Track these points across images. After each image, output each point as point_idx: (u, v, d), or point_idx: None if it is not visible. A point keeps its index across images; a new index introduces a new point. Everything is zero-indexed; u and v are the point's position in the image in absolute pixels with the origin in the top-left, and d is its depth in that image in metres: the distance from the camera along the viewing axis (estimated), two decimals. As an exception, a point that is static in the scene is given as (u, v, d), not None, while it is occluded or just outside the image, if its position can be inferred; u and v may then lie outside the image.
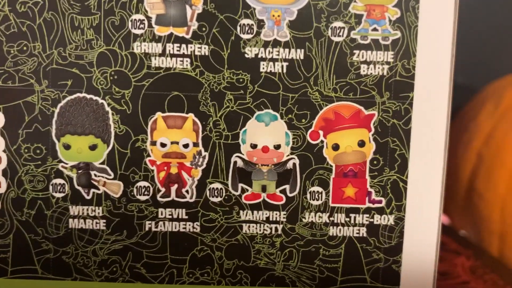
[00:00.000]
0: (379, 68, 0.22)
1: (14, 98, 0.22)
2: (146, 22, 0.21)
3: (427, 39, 0.22)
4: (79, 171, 0.22)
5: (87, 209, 0.22)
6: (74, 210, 0.22)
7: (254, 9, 0.21)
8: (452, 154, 0.49)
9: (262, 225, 0.23)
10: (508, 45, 0.60)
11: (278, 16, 0.21)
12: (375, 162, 0.22)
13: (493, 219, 0.43)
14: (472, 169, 0.46)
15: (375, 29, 0.22)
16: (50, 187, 0.22)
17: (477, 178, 0.45)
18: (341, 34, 0.22)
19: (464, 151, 0.47)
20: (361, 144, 0.22)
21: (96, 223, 0.22)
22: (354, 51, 0.22)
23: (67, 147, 0.22)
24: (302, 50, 0.22)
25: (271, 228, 0.23)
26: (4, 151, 0.22)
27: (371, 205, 0.23)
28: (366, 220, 0.23)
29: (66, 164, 0.22)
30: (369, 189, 0.23)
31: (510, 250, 0.43)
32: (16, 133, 0.22)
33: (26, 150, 0.22)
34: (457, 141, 0.49)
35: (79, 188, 0.22)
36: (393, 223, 0.23)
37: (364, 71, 0.22)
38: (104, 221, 0.22)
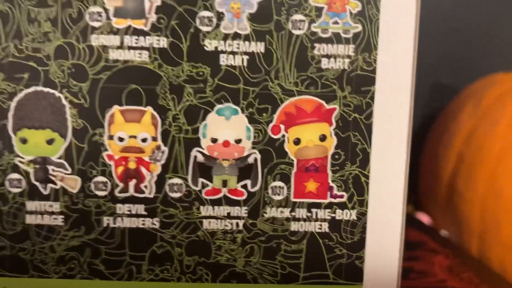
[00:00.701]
0: (340, 61, 0.22)
1: None
2: (104, 14, 0.21)
3: (389, 32, 0.21)
4: (36, 166, 0.22)
5: (44, 205, 0.22)
6: (31, 205, 0.22)
7: (214, 1, 0.21)
8: (433, 153, 0.51)
9: (223, 220, 0.22)
10: (491, 46, 0.61)
11: (238, 8, 0.21)
12: (336, 156, 0.22)
13: (473, 219, 0.44)
14: (453, 169, 0.47)
15: (336, 22, 0.21)
16: (7, 183, 0.22)
17: (457, 177, 0.46)
18: (301, 27, 0.21)
19: (445, 151, 0.48)
20: (323, 138, 0.22)
21: (54, 218, 0.22)
22: (315, 45, 0.22)
23: (23, 141, 0.22)
24: (263, 43, 0.21)
25: (232, 224, 0.22)
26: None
27: (333, 200, 0.22)
28: (328, 215, 0.23)
29: (23, 158, 0.22)
30: (331, 184, 0.22)
31: (489, 249, 0.43)
32: None
33: None
34: (438, 141, 0.50)
35: (36, 183, 0.22)
36: (355, 218, 0.23)
37: (325, 64, 0.22)
38: (62, 216, 0.22)
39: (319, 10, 0.21)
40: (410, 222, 0.47)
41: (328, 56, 0.22)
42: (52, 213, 0.22)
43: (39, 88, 0.21)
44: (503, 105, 0.44)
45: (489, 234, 0.43)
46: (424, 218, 0.51)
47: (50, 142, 0.22)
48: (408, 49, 0.22)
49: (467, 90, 0.51)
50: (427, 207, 0.52)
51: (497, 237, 0.42)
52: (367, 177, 0.22)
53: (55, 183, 0.22)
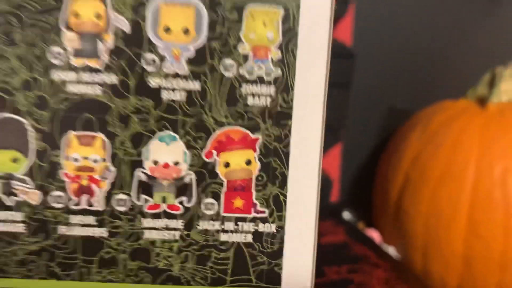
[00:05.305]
0: (263, 99, 0.26)
1: None
2: (64, 54, 0.25)
3: (303, 76, 0.26)
4: (2, 181, 0.25)
5: (8, 214, 0.25)
6: None
7: (157, 46, 0.25)
8: (384, 174, 0.54)
9: (162, 231, 0.26)
10: (442, 73, 0.64)
11: (178, 53, 0.25)
12: (260, 178, 0.26)
13: (417, 235, 0.47)
14: (400, 188, 0.49)
15: (260, 67, 0.26)
16: None
17: (404, 196, 0.48)
18: (231, 70, 0.25)
19: (394, 171, 0.51)
20: (248, 162, 0.26)
21: (16, 226, 0.26)
22: (242, 85, 0.26)
23: (-8, 159, 0.25)
24: (199, 82, 0.25)
25: (170, 234, 0.26)
26: None
27: (256, 215, 0.26)
28: (252, 228, 0.26)
29: None
30: (255, 201, 0.26)
31: (431, 263, 0.46)
32: None
33: None
34: (389, 162, 0.53)
35: (1, 195, 0.25)
36: (275, 231, 0.27)
37: (250, 101, 0.26)
38: (24, 225, 0.26)
39: (246, 56, 0.25)
40: (359, 237, 0.50)
41: (253, 95, 0.26)
42: (15, 221, 0.26)
43: (6, 114, 0.25)
44: (447, 130, 0.48)
45: (431, 250, 0.46)
46: (374, 234, 0.53)
47: (14, 161, 0.25)
48: (320, 91, 0.26)
49: (417, 115, 0.54)
50: (378, 224, 0.55)
51: (438, 252, 0.45)
52: (285, 196, 0.26)
53: (18, 196, 0.25)
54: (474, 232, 0.43)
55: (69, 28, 0.25)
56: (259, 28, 0.25)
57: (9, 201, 0.25)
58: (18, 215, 0.26)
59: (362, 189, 0.59)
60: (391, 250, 0.50)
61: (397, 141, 0.53)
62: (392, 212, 0.50)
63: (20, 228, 0.26)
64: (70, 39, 0.25)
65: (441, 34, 0.63)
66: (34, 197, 0.26)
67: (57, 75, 0.25)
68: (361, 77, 0.54)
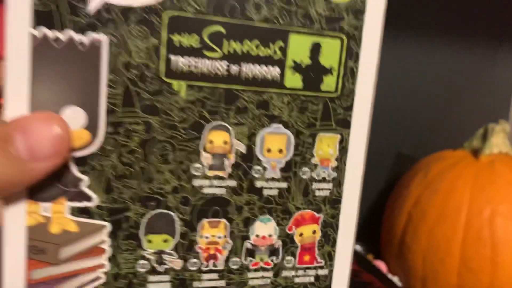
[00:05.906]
0: (324, 192, 0.40)
1: None
2: (201, 167, 0.37)
3: (349, 178, 0.40)
4: (156, 255, 0.37)
5: (160, 277, 0.37)
6: (151, 278, 0.37)
7: (261, 161, 0.38)
8: (390, 214, 0.58)
9: (259, 279, 0.39)
10: (443, 125, 0.68)
11: (274, 165, 0.38)
12: (320, 242, 0.41)
13: (417, 267, 0.51)
14: (403, 226, 0.54)
15: (324, 172, 0.40)
16: (137, 266, 0.36)
17: (407, 233, 0.52)
18: (306, 174, 0.39)
19: (399, 212, 0.55)
20: (314, 232, 0.40)
21: (165, 285, 0.37)
22: (313, 183, 0.40)
23: (149, 241, 0.36)
24: (286, 183, 0.39)
25: (264, 280, 0.40)
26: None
27: (317, 264, 0.41)
28: (314, 273, 0.41)
29: (148, 251, 0.36)
30: (316, 256, 0.41)
31: None
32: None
33: (124, 239, 0.36)
34: (394, 203, 0.57)
35: (155, 264, 0.37)
36: (327, 273, 0.41)
37: (317, 193, 0.40)
38: (170, 283, 0.37)
39: (316, 165, 0.39)
40: (368, 267, 0.55)
41: (319, 189, 0.40)
42: (164, 282, 0.37)
43: (161, 210, 0.36)
44: (443, 178, 0.51)
45: (429, 280, 0.50)
46: (381, 265, 0.59)
47: (165, 241, 0.36)
48: (357, 187, 0.41)
49: (419, 163, 0.57)
50: (384, 256, 0.59)
51: (435, 282, 0.50)
52: (334, 252, 0.41)
53: (166, 264, 0.37)
54: (466, 266, 0.46)
55: (205, 150, 0.36)
56: (325, 147, 0.39)
57: (160, 268, 0.37)
58: (166, 277, 0.37)
59: (372, 225, 0.63)
60: (396, 280, 0.54)
61: (402, 185, 0.57)
62: (397, 246, 0.54)
63: (167, 286, 0.37)
64: (206, 158, 0.37)
65: (443, 92, 0.68)
66: (177, 264, 0.37)
67: (197, 182, 0.37)
68: (372, 127, 0.56)
